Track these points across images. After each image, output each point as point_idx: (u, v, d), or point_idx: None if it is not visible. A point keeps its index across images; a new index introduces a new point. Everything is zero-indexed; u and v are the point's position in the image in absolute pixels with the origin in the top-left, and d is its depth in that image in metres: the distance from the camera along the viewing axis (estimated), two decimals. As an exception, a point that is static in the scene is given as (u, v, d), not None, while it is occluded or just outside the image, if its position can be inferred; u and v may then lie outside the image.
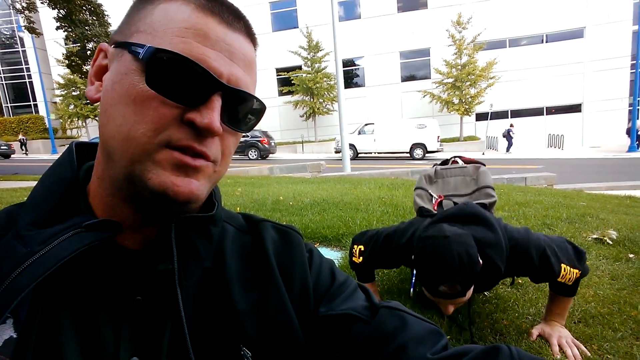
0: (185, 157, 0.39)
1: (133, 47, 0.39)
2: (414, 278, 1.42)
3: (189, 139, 0.39)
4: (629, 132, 17.33)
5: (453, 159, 2.10)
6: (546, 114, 21.44)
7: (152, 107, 0.38)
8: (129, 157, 0.39)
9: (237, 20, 0.42)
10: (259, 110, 0.46)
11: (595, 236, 2.74)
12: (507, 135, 18.50)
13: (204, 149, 0.40)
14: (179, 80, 0.38)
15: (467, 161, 2.06)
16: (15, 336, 0.36)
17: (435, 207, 1.74)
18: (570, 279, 1.48)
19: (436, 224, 1.43)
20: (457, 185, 1.89)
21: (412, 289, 1.45)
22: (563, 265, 1.45)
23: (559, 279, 1.46)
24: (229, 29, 0.41)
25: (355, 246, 1.79)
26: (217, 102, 0.40)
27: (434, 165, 2.12)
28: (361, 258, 1.75)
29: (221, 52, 0.40)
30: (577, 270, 1.48)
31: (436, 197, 1.81)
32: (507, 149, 18.61)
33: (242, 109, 0.43)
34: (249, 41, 0.44)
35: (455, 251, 1.26)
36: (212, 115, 0.39)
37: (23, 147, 23.16)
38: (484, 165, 2.01)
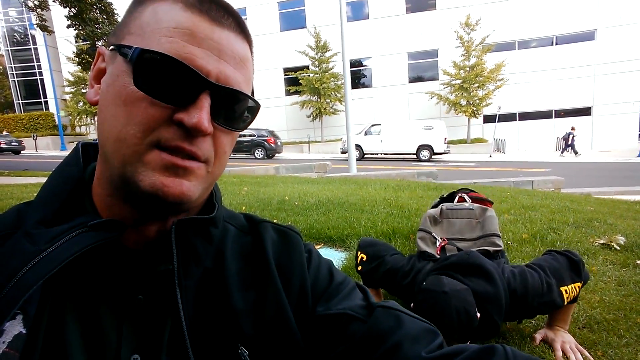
0: (174, 158, 0.39)
1: (123, 49, 0.39)
2: None
3: (178, 139, 0.39)
4: (566, 139, 17.26)
5: (460, 195, 2.08)
6: (555, 117, 21.21)
7: (141, 108, 0.38)
8: (121, 158, 0.39)
9: (227, 17, 0.42)
10: (253, 109, 0.46)
11: (602, 241, 2.70)
12: (568, 139, 17.88)
13: (194, 148, 0.40)
14: (167, 80, 0.38)
15: (474, 199, 2.03)
16: (24, 332, 0.36)
17: (439, 252, 1.73)
18: (574, 295, 1.49)
19: (437, 276, 1.43)
20: (462, 228, 1.86)
21: None
22: (563, 289, 1.46)
23: (565, 303, 1.48)
24: (217, 26, 0.41)
25: (360, 252, 1.80)
26: (205, 101, 0.39)
27: (440, 199, 2.12)
28: (360, 267, 1.77)
29: (209, 50, 0.40)
30: (578, 284, 1.48)
31: (440, 240, 1.79)
32: (562, 152, 17.99)
33: (234, 108, 0.43)
34: (241, 38, 0.44)
35: (454, 308, 1.27)
36: (201, 114, 0.39)
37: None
38: (492, 203, 2.00)
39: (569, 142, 17.86)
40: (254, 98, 0.45)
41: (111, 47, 0.42)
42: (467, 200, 2.02)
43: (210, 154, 0.42)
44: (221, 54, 0.41)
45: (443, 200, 2.15)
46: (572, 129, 18.11)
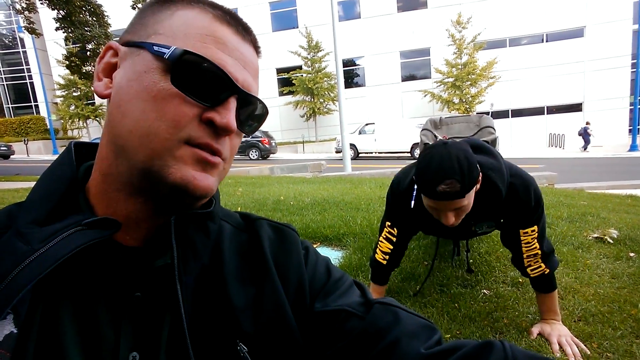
0: (205, 154, 0.42)
1: (156, 47, 0.41)
2: (414, 192, 1.45)
3: (207, 137, 0.42)
4: (582, 134, 17.23)
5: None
6: (547, 114, 21.42)
7: (173, 105, 0.40)
8: (149, 152, 0.40)
9: (248, 34, 0.47)
10: (263, 115, 0.50)
11: (596, 235, 2.73)
12: (584, 134, 17.70)
13: (220, 147, 0.43)
14: (202, 81, 0.41)
15: None
16: (15, 331, 0.36)
17: None
18: (528, 243, 1.54)
19: None
20: (460, 130, 1.98)
21: (412, 202, 1.48)
22: (535, 227, 1.51)
23: (522, 231, 1.53)
24: (242, 40, 0.45)
25: (384, 230, 1.77)
26: (233, 104, 0.43)
27: (439, 115, 2.22)
28: (396, 229, 1.72)
29: (237, 59, 0.44)
30: (538, 246, 1.54)
31: (441, 137, 1.87)
32: (585, 148, 17.78)
33: (251, 113, 0.47)
34: (256, 53, 0.49)
35: (454, 153, 1.28)
36: (230, 115, 0.42)
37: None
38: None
39: (587, 136, 17.64)
40: (265, 106, 0.49)
41: (128, 43, 0.44)
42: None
43: (228, 153, 0.46)
44: (245, 65, 0.45)
45: None
46: (587, 123, 18.02)
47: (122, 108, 0.41)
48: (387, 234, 1.75)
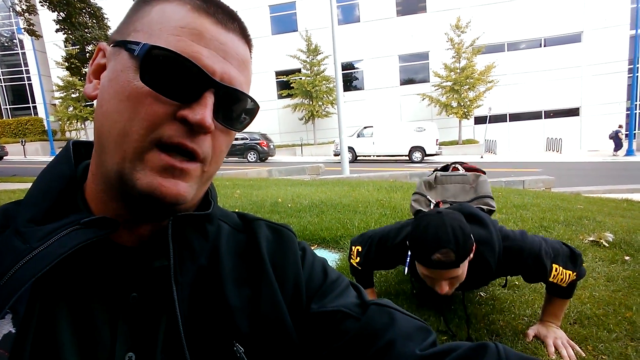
0: (173, 160, 0.40)
1: (129, 44, 0.40)
2: (408, 258, 1.44)
3: (180, 136, 0.39)
4: (613, 137, 16.96)
5: (453, 165, 2.11)
6: (544, 118, 21.49)
7: (145, 104, 0.39)
8: (121, 154, 0.39)
9: (232, 21, 0.43)
10: (253, 110, 0.47)
11: (591, 238, 2.75)
12: (615, 137, 17.38)
13: (195, 146, 0.40)
14: (173, 77, 0.39)
15: (468, 168, 2.07)
16: (13, 331, 0.36)
17: None
18: (562, 279, 1.48)
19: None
20: (456, 192, 1.91)
21: (406, 269, 1.47)
22: (555, 266, 1.47)
23: (551, 279, 1.48)
24: (223, 29, 0.42)
25: (353, 247, 1.80)
26: (209, 99, 0.40)
27: (435, 171, 2.13)
28: (358, 258, 1.75)
29: (215, 50, 0.41)
30: (570, 272, 1.49)
31: (434, 202, 1.83)
32: (615, 150, 17.43)
33: (235, 108, 0.44)
34: (243, 42, 0.45)
35: (449, 223, 1.30)
36: (204, 111, 0.39)
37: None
38: (484, 173, 2.02)
39: (618, 140, 17.24)
40: (254, 99, 0.46)
41: (114, 43, 0.42)
42: (461, 169, 2.06)
43: (208, 153, 0.43)
44: (226, 56, 0.42)
45: (437, 171, 2.19)
46: (620, 126, 17.72)
47: (103, 108, 0.41)
48: (355, 254, 1.77)
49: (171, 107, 0.39)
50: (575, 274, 1.50)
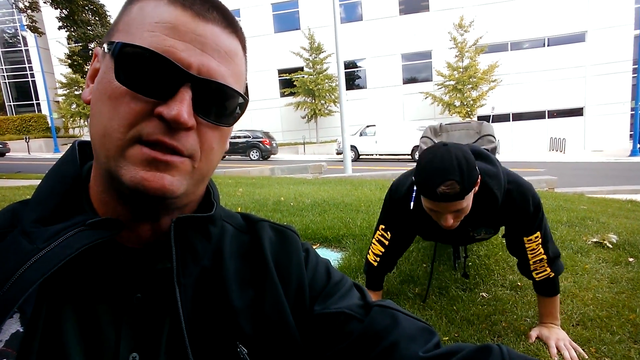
0: (154, 152, 0.39)
1: (109, 45, 0.40)
2: (414, 194, 1.44)
3: (159, 133, 0.39)
4: None
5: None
6: (548, 118, 21.41)
7: (123, 103, 0.38)
8: (105, 153, 0.40)
9: (211, 11, 0.42)
10: (241, 103, 0.45)
11: (595, 240, 2.73)
12: None
13: (175, 142, 0.39)
14: (147, 74, 0.38)
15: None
16: (21, 330, 0.36)
17: None
18: (533, 253, 1.53)
19: None
20: (461, 137, 1.97)
21: (412, 203, 1.48)
22: (538, 233, 1.51)
23: (525, 239, 1.52)
24: (200, 20, 0.40)
25: (377, 232, 1.76)
26: (186, 94, 0.39)
27: (440, 122, 2.19)
28: (389, 233, 1.71)
29: (191, 43, 0.39)
30: (544, 255, 1.53)
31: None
32: None
33: (220, 102, 0.42)
34: (228, 32, 0.43)
35: (454, 154, 1.28)
36: (180, 107, 0.38)
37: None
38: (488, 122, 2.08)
39: None
40: (241, 93, 0.44)
41: (102, 46, 0.43)
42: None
43: (194, 149, 0.41)
44: (204, 47, 0.40)
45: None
46: None
47: (93, 110, 0.41)
48: (380, 237, 1.75)
49: (148, 104, 0.38)
50: (547, 260, 1.54)
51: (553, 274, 1.55)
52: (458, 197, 1.28)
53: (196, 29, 0.40)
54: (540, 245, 1.53)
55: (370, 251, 1.80)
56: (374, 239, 1.79)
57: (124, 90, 0.38)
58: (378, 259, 1.76)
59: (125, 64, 0.38)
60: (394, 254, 1.78)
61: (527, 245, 1.53)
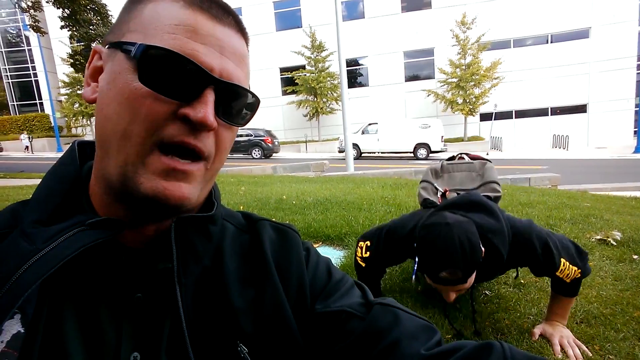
0: (174, 162, 0.40)
1: (125, 45, 0.39)
2: (416, 266, 1.42)
3: (183, 134, 0.39)
4: None
5: (460, 155, 2.11)
6: (551, 115, 21.31)
7: (145, 105, 0.38)
8: (124, 157, 0.39)
9: (226, 15, 0.43)
10: (253, 104, 0.46)
11: (599, 237, 2.72)
12: None
13: (199, 144, 0.40)
14: (171, 76, 0.39)
15: (474, 158, 2.07)
16: (22, 331, 0.36)
17: (440, 200, 1.75)
18: (568, 275, 1.47)
19: (438, 212, 1.43)
20: (462, 180, 1.90)
21: (413, 277, 1.45)
22: (562, 260, 1.45)
23: (558, 273, 1.46)
24: (218, 24, 0.41)
25: (361, 243, 1.76)
26: (210, 96, 0.40)
27: (441, 161, 2.13)
28: (368, 253, 1.71)
29: (211, 46, 0.40)
30: (576, 268, 1.47)
31: (441, 190, 1.82)
32: None
33: (236, 103, 0.44)
34: (239, 36, 0.44)
35: (457, 237, 1.26)
36: (206, 109, 0.39)
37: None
38: (490, 162, 2.01)
39: None
40: (254, 93, 0.45)
41: (109, 44, 0.42)
42: (466, 158, 2.05)
43: (212, 150, 0.43)
44: (223, 51, 0.41)
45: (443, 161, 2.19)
46: None
47: (104, 111, 0.41)
48: (362, 252, 1.71)
49: (172, 106, 0.39)
50: (580, 271, 1.49)
51: (580, 274, 1.50)
52: (460, 282, 1.29)
53: (215, 32, 0.41)
54: (571, 265, 1.48)
55: (356, 255, 1.77)
56: (359, 247, 1.75)
57: (145, 91, 0.38)
58: (366, 263, 1.73)
59: (149, 65, 0.38)
60: (376, 270, 1.77)
61: (561, 275, 1.48)
